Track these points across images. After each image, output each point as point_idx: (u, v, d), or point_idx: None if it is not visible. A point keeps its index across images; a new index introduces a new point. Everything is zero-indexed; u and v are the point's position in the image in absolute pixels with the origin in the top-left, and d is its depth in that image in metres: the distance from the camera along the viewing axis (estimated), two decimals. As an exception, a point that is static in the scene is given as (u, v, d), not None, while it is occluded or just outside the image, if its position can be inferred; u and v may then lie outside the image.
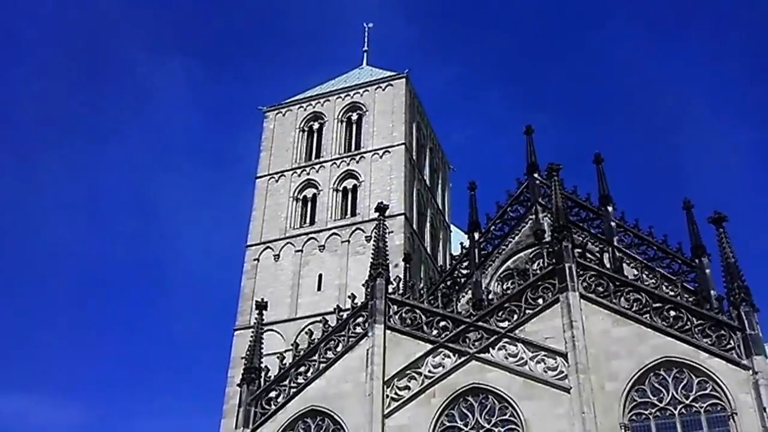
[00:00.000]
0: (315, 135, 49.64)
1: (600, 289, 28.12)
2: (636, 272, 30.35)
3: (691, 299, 28.93)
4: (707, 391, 25.29)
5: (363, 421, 28.06)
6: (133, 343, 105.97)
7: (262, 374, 31.26)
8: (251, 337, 33.00)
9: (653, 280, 29.00)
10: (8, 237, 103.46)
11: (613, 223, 37.37)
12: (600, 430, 25.19)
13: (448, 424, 27.52)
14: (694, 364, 25.69)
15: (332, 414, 28.99)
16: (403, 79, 49.27)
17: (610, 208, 37.95)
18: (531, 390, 27.01)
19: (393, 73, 50.25)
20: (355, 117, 49.23)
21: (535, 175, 40.00)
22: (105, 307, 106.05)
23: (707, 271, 34.34)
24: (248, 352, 32.30)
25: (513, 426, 26.67)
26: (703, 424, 24.85)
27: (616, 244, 36.35)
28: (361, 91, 49.84)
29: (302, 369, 30.68)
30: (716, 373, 25.35)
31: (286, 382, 30.54)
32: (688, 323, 26.51)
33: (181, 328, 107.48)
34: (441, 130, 55.27)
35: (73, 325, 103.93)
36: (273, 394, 30.54)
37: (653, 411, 25.43)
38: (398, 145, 46.51)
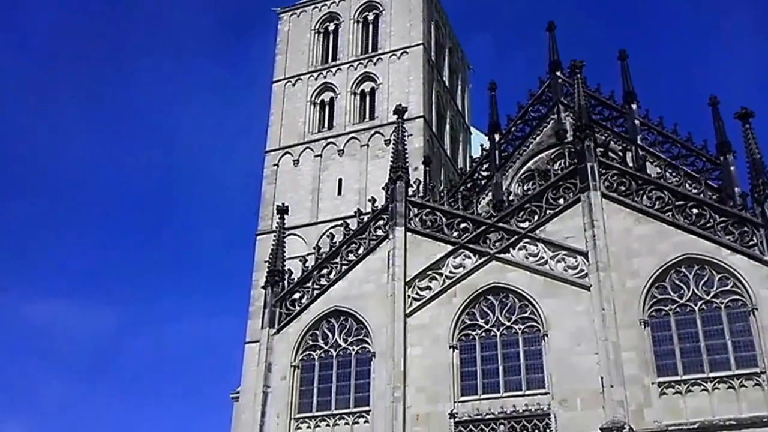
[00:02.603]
0: (331, 37, 48.55)
1: (622, 187, 27.89)
2: (659, 170, 29.97)
3: (714, 197, 28.66)
4: (728, 287, 25.38)
5: (385, 320, 28.67)
6: (160, 251, 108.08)
7: (286, 277, 31.83)
8: (273, 241, 33.43)
9: (676, 178, 28.58)
10: (33, 155, 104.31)
11: (636, 121, 36.66)
12: (619, 326, 25.54)
13: (468, 322, 28.02)
14: (716, 261, 25.68)
15: (355, 314, 29.61)
16: (421, -24, 47.54)
17: (634, 106, 37.15)
18: (551, 288, 27.29)
19: (410, -30, 48.43)
20: (371, 17, 47.94)
21: (558, 74, 39.13)
22: (131, 216, 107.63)
23: (732, 168, 33.81)
24: (271, 256, 32.80)
25: (533, 323, 27.12)
26: (723, 319, 25.05)
27: (639, 142, 35.76)
28: (377, -12, 48.29)
29: (325, 271, 31.16)
30: (738, 269, 25.36)
31: (309, 284, 31.10)
32: (711, 220, 26.35)
33: (206, 235, 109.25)
34: (460, 30, 53.94)
35: (102, 233, 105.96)
36: (297, 295, 31.17)
37: (673, 307, 25.66)
38: (416, 45, 45.40)
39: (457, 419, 26.35)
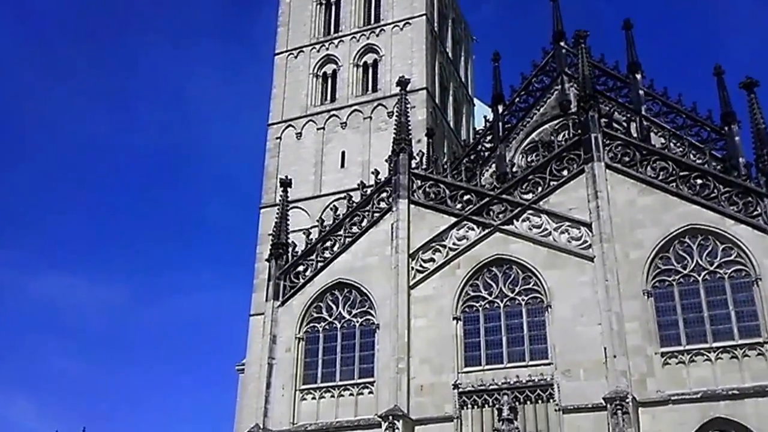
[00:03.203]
0: (333, 8, 48.08)
1: (626, 158, 27.79)
2: (663, 141, 29.84)
3: (718, 167, 28.58)
4: (732, 258, 25.37)
5: (389, 293, 28.77)
6: (166, 225, 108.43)
7: (290, 250, 31.90)
8: (277, 214, 33.43)
9: (681, 149, 28.43)
10: (39, 126, 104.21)
11: (641, 92, 36.41)
12: (623, 297, 25.60)
13: (472, 293, 28.11)
14: (720, 231, 25.65)
15: (359, 286, 29.71)
16: (423, -55, 46.92)
17: (638, 76, 36.87)
18: (554, 259, 27.32)
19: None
20: (373, -13, 47.40)
21: (562, 44, 38.77)
22: (137, 191, 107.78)
23: (736, 138, 33.64)
24: (275, 229, 32.83)
25: (536, 294, 27.19)
26: (727, 289, 25.08)
27: (643, 112, 35.55)
28: (378, -41, 47.76)
29: (328, 243, 31.21)
30: (741, 239, 25.33)
31: (313, 257, 31.17)
32: (715, 191, 26.26)
33: (212, 208, 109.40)
34: (463, 0, 53.36)
35: (108, 208, 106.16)
36: (301, 268, 31.26)
37: (677, 278, 25.68)
38: (419, 16, 44.97)
39: (460, 390, 26.53)
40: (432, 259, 29.20)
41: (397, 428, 25.88)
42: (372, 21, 46.44)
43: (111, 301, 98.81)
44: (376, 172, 32.18)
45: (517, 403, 25.64)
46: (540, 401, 25.60)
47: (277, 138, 44.66)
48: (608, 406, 23.83)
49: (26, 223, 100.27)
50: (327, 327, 29.69)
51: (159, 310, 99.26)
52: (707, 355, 24.54)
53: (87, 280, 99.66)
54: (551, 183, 28.46)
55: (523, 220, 28.40)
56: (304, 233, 32.69)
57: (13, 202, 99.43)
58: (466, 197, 29.74)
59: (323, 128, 43.93)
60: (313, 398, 28.81)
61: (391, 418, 26.07)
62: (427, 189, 30.51)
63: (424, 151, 35.97)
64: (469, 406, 26.32)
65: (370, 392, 27.98)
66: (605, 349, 25.08)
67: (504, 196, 29.02)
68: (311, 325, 30.01)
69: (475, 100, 52.46)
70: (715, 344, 24.54)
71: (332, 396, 28.55)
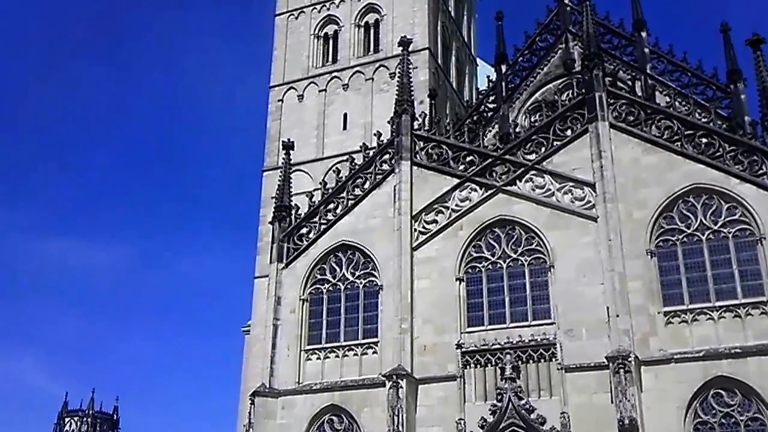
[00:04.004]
0: (333, -33, 47.26)
1: (630, 117, 27.54)
2: (668, 100, 29.55)
3: (724, 126, 28.28)
4: (736, 217, 25.28)
5: (392, 254, 28.84)
6: (170, 188, 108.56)
7: (293, 212, 31.91)
8: (280, 177, 33.38)
9: (686, 107, 28.16)
10: (43, 90, 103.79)
11: (646, 50, 35.93)
12: (626, 257, 25.59)
13: (475, 255, 28.14)
14: (724, 190, 25.52)
15: (362, 248, 29.77)
16: None
17: (643, 34, 36.37)
18: (558, 220, 27.27)
19: None
20: (374, -55, 46.54)
21: (566, 2, 38.24)
22: (140, 154, 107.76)
23: (742, 96, 33.27)
24: (278, 192, 32.82)
25: (539, 255, 27.20)
26: (731, 248, 25.03)
27: (648, 71, 35.14)
28: None
29: (331, 206, 31.21)
30: (746, 198, 25.21)
31: (316, 219, 31.19)
32: (720, 150, 26.05)
33: (214, 172, 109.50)
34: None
35: (112, 172, 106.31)
36: (304, 230, 31.31)
37: (680, 237, 25.63)
38: (421, -26, 44.17)
39: (463, 349, 26.70)
40: (435, 221, 29.19)
41: (401, 387, 26.11)
42: (373, -20, 45.63)
43: (118, 263, 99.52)
44: (379, 134, 32.01)
45: (519, 363, 25.84)
46: (542, 360, 25.76)
47: (278, 100, 44.30)
48: (610, 364, 23.96)
49: (34, 185, 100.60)
50: (331, 288, 29.81)
51: (165, 273, 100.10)
52: (710, 315, 24.58)
53: (94, 242, 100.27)
54: (555, 143, 28.27)
55: (526, 181, 28.29)
56: (306, 196, 32.67)
57: (20, 165, 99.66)
58: (468, 158, 29.60)
59: (325, 90, 43.51)
60: (318, 358, 29.07)
61: (394, 377, 26.30)
62: (430, 150, 30.37)
63: (427, 112, 35.68)
64: (472, 365, 26.52)
65: (374, 352, 28.19)
66: (608, 308, 25.16)
67: (507, 156, 28.86)
68: (315, 286, 30.14)
69: (478, 60, 51.87)
70: (718, 303, 24.57)
71: (337, 356, 28.80)
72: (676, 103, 28.81)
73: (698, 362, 23.97)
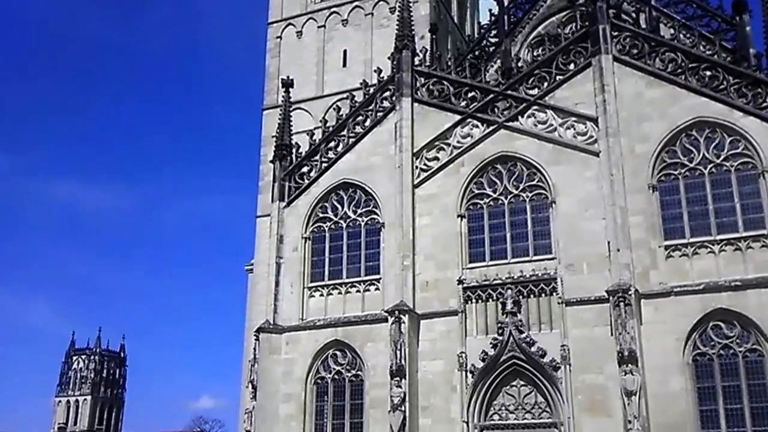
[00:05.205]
0: None
1: (634, 50, 27.15)
2: (673, 32, 29.00)
3: (728, 58, 27.79)
4: (739, 150, 25.15)
5: (393, 192, 28.85)
6: (173, 129, 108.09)
7: (293, 151, 31.78)
8: (280, 115, 33.13)
9: (690, 40, 27.70)
10: (42, 32, 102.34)
11: (651, -19, 35.25)
12: (628, 191, 25.59)
13: (476, 191, 28.14)
14: (728, 124, 25.33)
15: (363, 186, 29.76)
16: None
17: (648, -35, 35.60)
18: (559, 155, 27.17)
19: None
20: None
21: (569, -68, 37.25)
22: (140, 96, 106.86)
23: (747, 28, 32.76)
24: (278, 130, 32.63)
25: (541, 191, 27.20)
26: (733, 182, 24.98)
27: (653, 3, 34.54)
28: None
29: (332, 144, 31.08)
30: (749, 131, 25.03)
31: (317, 158, 31.11)
32: (724, 82, 25.76)
33: (215, 111, 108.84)
34: None
35: (113, 113, 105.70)
36: (305, 169, 31.25)
37: (683, 171, 25.56)
38: None
39: (465, 285, 26.96)
40: (436, 158, 29.08)
41: (403, 322, 26.45)
42: None
43: (123, 205, 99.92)
44: (379, 71, 31.62)
45: (520, 297, 26.11)
46: (543, 295, 26.01)
47: (277, 37, 43.57)
48: (611, 298, 24.21)
49: (40, 130, 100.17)
50: (333, 226, 29.93)
51: (170, 213, 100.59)
52: (711, 248, 24.69)
53: (100, 185, 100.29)
54: (557, 77, 27.94)
55: (529, 116, 28.08)
56: (307, 134, 32.46)
57: (26, 110, 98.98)
58: (470, 94, 29.31)
59: (324, 26, 42.74)
60: (321, 295, 29.37)
61: (397, 312, 26.62)
62: (431, 86, 30.05)
63: (428, 47, 35.04)
64: (474, 300, 26.82)
65: (377, 289, 28.46)
66: (609, 243, 25.27)
67: (509, 92, 28.58)
68: (317, 224, 30.25)
69: (480, -6, 50.86)
70: (719, 237, 24.64)
71: (339, 293, 29.09)
72: (681, 36, 28.38)
73: (698, 295, 24.19)
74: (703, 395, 23.67)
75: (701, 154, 25.45)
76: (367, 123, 30.76)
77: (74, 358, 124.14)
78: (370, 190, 29.62)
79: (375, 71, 32.20)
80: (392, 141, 29.74)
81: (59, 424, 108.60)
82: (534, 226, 26.97)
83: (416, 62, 30.72)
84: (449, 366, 26.34)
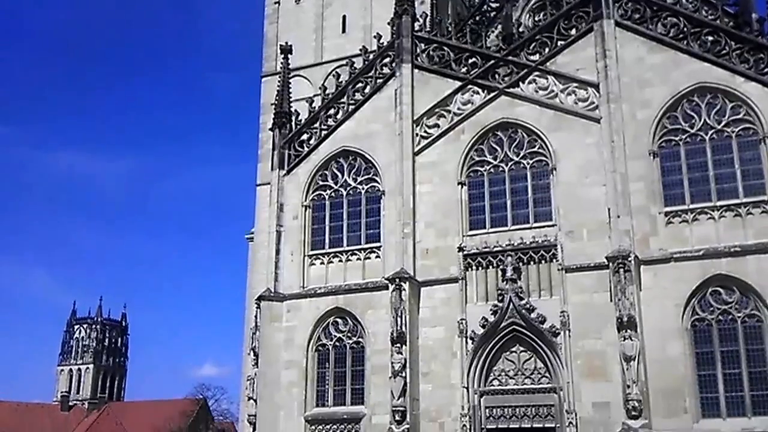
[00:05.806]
0: None
1: (636, 15, 26.92)
2: (675, -4, 28.69)
3: (730, 23, 27.54)
4: (740, 116, 25.05)
5: (394, 159, 28.78)
6: (172, 98, 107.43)
7: (293, 118, 31.63)
8: (278, 82, 32.89)
9: (692, 4, 27.42)
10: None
11: (653, -56, 34.68)
12: (628, 158, 25.55)
13: (477, 158, 28.08)
14: (729, 89, 25.19)
15: (363, 153, 29.68)
16: None
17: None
18: (560, 122, 27.06)
19: None
20: None
21: None
22: (140, 64, 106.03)
23: (751, -7, 32.33)
24: (277, 98, 32.45)
25: (541, 157, 27.14)
26: (734, 148, 24.92)
27: (655, -33, 33.99)
28: None
29: (332, 111, 30.93)
30: (751, 97, 24.91)
31: (317, 125, 30.97)
32: (726, 47, 25.59)
33: (214, 79, 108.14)
34: None
35: (113, 82, 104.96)
36: (305, 136, 31.13)
37: (684, 137, 25.50)
38: None
39: (465, 252, 27.01)
40: (436, 125, 28.96)
41: (404, 290, 26.56)
42: None
43: (124, 174, 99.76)
44: (379, 37, 31.35)
45: (520, 264, 26.20)
46: (543, 262, 26.09)
47: (275, 3, 42.96)
48: (610, 264, 24.29)
49: (40, 101, 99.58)
50: (333, 194, 29.91)
51: (170, 182, 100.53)
52: (711, 214, 24.71)
53: (100, 154, 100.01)
54: (559, 43, 27.73)
55: (530, 83, 27.91)
56: (306, 101, 32.26)
57: (26, 81, 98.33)
58: (471, 60, 29.09)
59: (323, -9, 42.24)
60: (322, 263, 29.45)
61: (397, 280, 26.71)
62: (431, 52, 29.82)
63: (428, 12, 34.68)
64: (474, 267, 26.89)
65: (377, 256, 28.52)
66: (609, 209, 25.30)
67: (510, 57, 28.37)
68: (317, 192, 30.23)
69: (480, -41, 50.19)
70: (719, 203, 24.65)
71: (340, 261, 29.17)
72: (683, 0, 28.03)
73: (698, 261, 24.25)
74: (701, 360, 23.86)
75: (702, 120, 25.35)
76: (367, 90, 30.58)
77: (76, 327, 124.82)
78: (370, 158, 29.54)
79: (375, 37, 31.91)
80: (392, 108, 29.58)
81: (62, 392, 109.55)
82: (534, 193, 26.96)
83: (416, 28, 30.45)
84: (449, 332, 26.52)
